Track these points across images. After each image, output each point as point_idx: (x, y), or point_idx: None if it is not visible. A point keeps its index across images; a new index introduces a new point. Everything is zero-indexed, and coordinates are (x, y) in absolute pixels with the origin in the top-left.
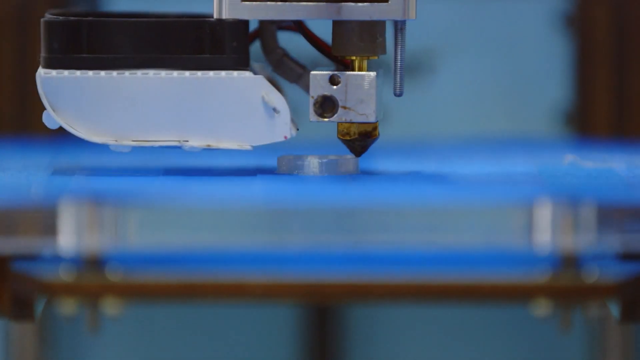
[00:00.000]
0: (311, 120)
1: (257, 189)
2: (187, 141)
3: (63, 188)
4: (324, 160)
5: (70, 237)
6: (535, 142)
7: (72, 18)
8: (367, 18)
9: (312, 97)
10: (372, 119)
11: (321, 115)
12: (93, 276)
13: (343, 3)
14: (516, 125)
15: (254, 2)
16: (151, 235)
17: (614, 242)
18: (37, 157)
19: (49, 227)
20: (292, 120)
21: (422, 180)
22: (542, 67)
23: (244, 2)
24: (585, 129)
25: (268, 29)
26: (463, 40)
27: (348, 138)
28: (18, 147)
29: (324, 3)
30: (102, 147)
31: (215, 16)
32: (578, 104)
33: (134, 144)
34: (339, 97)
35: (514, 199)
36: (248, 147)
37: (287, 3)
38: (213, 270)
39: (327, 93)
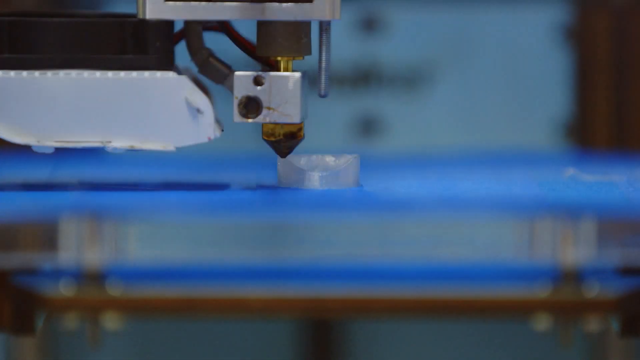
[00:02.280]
0: (235, 121)
1: (257, 203)
2: (110, 142)
3: (63, 202)
4: (324, 174)
5: (70, 251)
6: (535, 155)
7: None
8: (291, 18)
9: (236, 97)
10: (296, 120)
11: (245, 115)
12: (93, 291)
13: (267, 3)
14: (516, 137)
15: (178, 2)
16: (152, 249)
17: (615, 256)
18: (37, 170)
19: (49, 242)
20: (217, 121)
21: (422, 194)
22: (542, 80)
23: (167, 2)
24: (586, 142)
25: (193, 29)
26: (462, 53)
27: (273, 139)
28: (18, 161)
29: (249, 3)
30: (102, 160)
31: (138, 16)
32: (578, 116)
33: (57, 144)
34: (263, 98)
35: (514, 213)
36: (172, 148)
37: (211, 3)
38: (213, 285)
39: (251, 94)
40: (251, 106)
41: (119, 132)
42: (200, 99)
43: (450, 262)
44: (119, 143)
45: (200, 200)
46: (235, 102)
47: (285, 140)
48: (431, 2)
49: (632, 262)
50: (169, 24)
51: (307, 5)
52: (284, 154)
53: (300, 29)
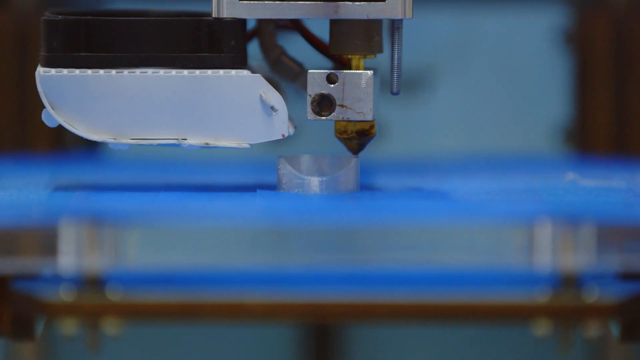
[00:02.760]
0: (308, 118)
1: (257, 208)
2: (186, 139)
3: (63, 207)
4: (324, 179)
5: (70, 256)
6: (535, 159)
7: (71, 17)
8: (364, 17)
9: (310, 95)
10: (369, 117)
11: (319, 113)
12: (93, 296)
13: (340, 2)
14: (516, 141)
15: (252, 1)
16: (151, 255)
17: (615, 261)
18: (37, 174)
19: (49, 247)
20: (290, 119)
21: (422, 198)
22: (541, 84)
23: (242, 1)
24: (585, 146)
25: (266, 28)
26: (463, 57)
27: (345, 136)
28: (18, 165)
29: (322, 2)
30: (102, 164)
31: (213, 15)
32: (578, 120)
33: (133, 142)
34: (337, 96)
35: (514, 218)
36: (246, 145)
37: (284, 2)
38: (213, 290)
39: (324, 91)
40: (324, 104)
41: (193, 129)
42: (274, 97)
43: (450, 267)
44: (194, 140)
45: (200, 205)
46: (309, 100)
47: (358, 138)
48: (431, 6)
49: (631, 267)
50: (243, 22)
51: (379, 4)
52: (356, 151)
53: (372, 27)
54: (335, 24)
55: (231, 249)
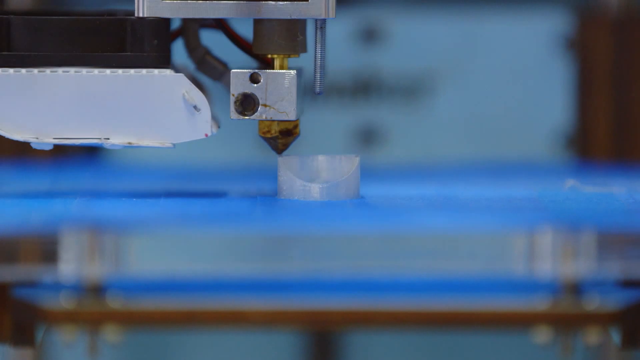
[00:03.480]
0: (232, 118)
1: (257, 215)
2: (109, 139)
3: (63, 214)
4: (324, 185)
5: (70, 264)
6: (535, 166)
7: None
8: (287, 17)
9: (233, 94)
10: (292, 117)
11: (242, 113)
12: (93, 303)
13: (264, 2)
14: (516, 148)
15: (175, 1)
16: (151, 262)
17: (615, 268)
18: (37, 181)
19: (49, 254)
20: (214, 118)
21: (423, 205)
22: (542, 90)
23: (165, 1)
24: (586, 152)
25: (190, 27)
26: (462, 63)
27: (269, 136)
28: (18, 171)
29: (245, 2)
30: (102, 170)
31: (136, 14)
32: (578, 127)
33: (56, 141)
34: (260, 95)
35: (515, 226)
36: (169, 145)
37: (208, 1)
38: (213, 297)
39: (247, 91)
40: (247, 103)
41: (117, 129)
42: (197, 96)
43: (450, 274)
44: (117, 140)
45: (200, 212)
46: (232, 100)
47: (281, 137)
48: (431, 12)
49: (632, 274)
50: (166, 22)
51: (302, 3)
52: (280, 151)
53: (295, 27)
54: (258, 23)
55: (231, 256)
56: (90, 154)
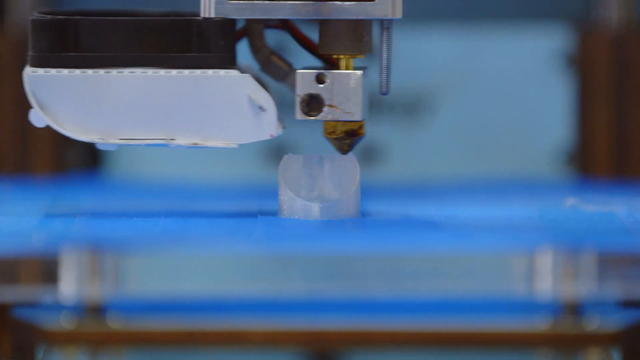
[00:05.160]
0: (297, 118)
1: (258, 235)
2: (174, 140)
3: (64, 234)
4: (325, 205)
5: (71, 284)
6: (536, 183)
7: (59, 17)
8: (353, 17)
9: (299, 95)
10: (358, 117)
11: (307, 113)
12: (94, 324)
13: (330, 2)
14: (517, 165)
15: (241, 1)
16: (152, 282)
17: (615, 289)
18: (37, 199)
19: (50, 275)
20: (279, 119)
21: (423, 225)
22: (542, 107)
23: (230, 1)
24: (586, 169)
25: (255, 28)
26: (463, 80)
27: (334, 136)
28: (18, 188)
29: (311, 2)
30: (102, 187)
31: (202, 15)
32: (579, 143)
33: (121, 142)
34: (326, 96)
35: (515, 246)
36: (234, 145)
37: (273, 2)
38: (214, 318)
39: (313, 91)
40: (313, 104)
41: (182, 129)
42: (263, 97)
43: (451, 295)
44: (182, 140)
45: (200, 231)
46: (298, 100)
47: (347, 138)
48: (432, 29)
49: (632, 295)
50: (232, 22)
51: (368, 4)
52: (345, 151)
53: (361, 27)
54: (324, 24)
55: (232, 276)
56: (89, 170)
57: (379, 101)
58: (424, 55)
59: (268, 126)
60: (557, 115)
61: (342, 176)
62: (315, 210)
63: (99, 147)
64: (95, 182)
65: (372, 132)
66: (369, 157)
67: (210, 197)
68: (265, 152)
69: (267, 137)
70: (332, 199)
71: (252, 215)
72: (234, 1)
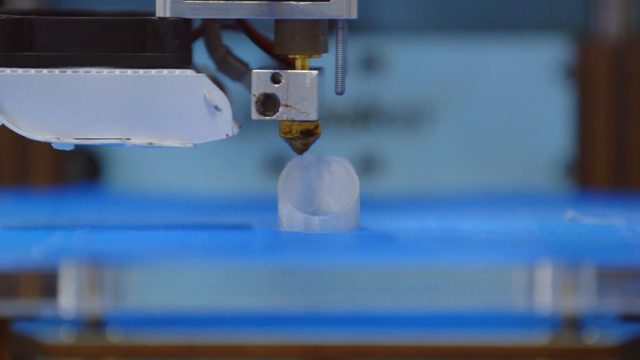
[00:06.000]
0: (253, 118)
1: (257, 248)
2: (130, 139)
3: (63, 247)
4: (324, 218)
5: (70, 298)
6: (535, 195)
7: (14, 16)
8: (308, 17)
9: (254, 95)
10: (313, 117)
11: (263, 113)
12: (93, 338)
13: (285, 2)
14: (516, 176)
15: (197, 1)
16: (152, 296)
17: (615, 303)
18: (36, 211)
19: (49, 289)
20: (235, 118)
21: (422, 239)
22: (542, 119)
23: (186, 1)
24: (586, 181)
25: (211, 28)
26: (462, 92)
27: (289, 136)
28: (17, 200)
29: (266, 2)
30: (101, 199)
31: (157, 15)
32: (578, 155)
33: (77, 142)
34: (281, 96)
35: (514, 260)
36: (190, 145)
37: (229, 2)
38: (214, 331)
39: (268, 91)
40: (269, 104)
41: (138, 129)
42: (218, 97)
43: (450, 309)
44: (138, 140)
45: (200, 244)
46: (253, 100)
47: (302, 138)
48: (431, 40)
49: (632, 309)
50: (187, 22)
51: (323, 4)
52: (300, 151)
53: (317, 27)
54: (280, 23)
55: (232, 290)
56: (89, 182)
57: (378, 112)
58: (423, 66)
59: (224, 126)
60: (557, 127)
61: (342, 189)
62: (315, 223)
63: (55, 146)
64: (95, 194)
65: (372, 143)
66: (369, 168)
67: (209, 210)
68: (265, 163)
69: (222, 136)
70: (332, 212)
71: (251, 228)
72: (189, 1)
